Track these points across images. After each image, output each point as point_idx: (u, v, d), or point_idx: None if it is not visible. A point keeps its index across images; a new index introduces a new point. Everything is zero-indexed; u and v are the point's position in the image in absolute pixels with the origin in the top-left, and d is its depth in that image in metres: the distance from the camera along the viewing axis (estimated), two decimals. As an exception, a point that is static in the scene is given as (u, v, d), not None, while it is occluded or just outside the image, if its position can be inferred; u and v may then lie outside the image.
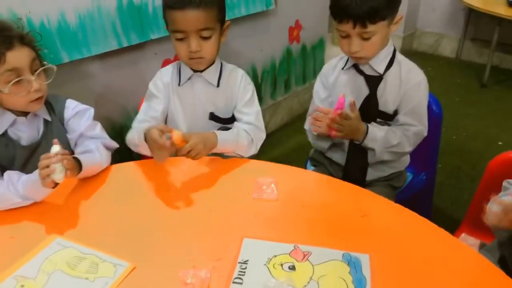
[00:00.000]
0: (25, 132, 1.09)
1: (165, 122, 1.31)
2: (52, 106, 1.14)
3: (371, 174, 1.31)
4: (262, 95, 2.39)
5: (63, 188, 1.03)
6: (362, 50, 1.14)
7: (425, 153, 1.49)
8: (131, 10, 1.54)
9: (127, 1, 1.52)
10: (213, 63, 1.26)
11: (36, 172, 0.95)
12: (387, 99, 1.23)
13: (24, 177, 0.99)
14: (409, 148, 1.23)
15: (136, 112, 1.34)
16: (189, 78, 1.27)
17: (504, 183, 0.96)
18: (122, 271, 0.83)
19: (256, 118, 1.27)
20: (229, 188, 1.08)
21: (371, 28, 1.10)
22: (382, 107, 1.24)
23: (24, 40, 1.01)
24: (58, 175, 0.92)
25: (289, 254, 0.86)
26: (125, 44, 1.57)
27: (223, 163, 1.17)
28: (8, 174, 1.00)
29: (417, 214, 0.97)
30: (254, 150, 1.23)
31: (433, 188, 1.61)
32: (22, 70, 0.99)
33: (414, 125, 1.22)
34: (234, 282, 0.80)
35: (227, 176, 1.12)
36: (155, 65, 1.72)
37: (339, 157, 1.34)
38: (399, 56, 1.24)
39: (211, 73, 1.26)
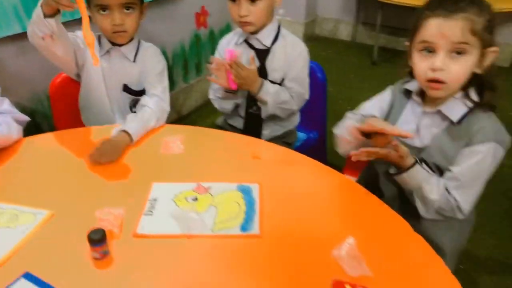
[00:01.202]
0: None
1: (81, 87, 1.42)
2: None
3: (267, 135, 1.51)
4: (174, 78, 2.51)
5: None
6: (250, 14, 1.32)
7: (315, 114, 1.74)
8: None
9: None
10: (132, 39, 1.38)
11: None
12: (275, 69, 1.43)
13: None
14: (295, 107, 1.44)
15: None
16: (108, 51, 1.37)
17: (348, 114, 1.16)
18: (41, 218, 0.93)
19: (162, 92, 1.39)
20: (140, 146, 1.21)
21: None
22: (270, 76, 1.43)
23: None
24: None
25: (192, 190, 1.02)
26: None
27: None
28: None
29: (303, 155, 1.18)
30: (162, 122, 1.35)
31: (325, 145, 1.86)
32: None
33: (297, 89, 1.43)
34: (145, 214, 0.94)
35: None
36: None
37: (238, 122, 1.53)
38: (283, 31, 1.45)
39: (129, 48, 1.38)
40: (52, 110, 1.57)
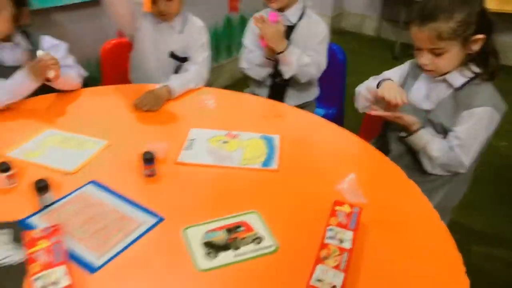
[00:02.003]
0: (9, 56, 1.35)
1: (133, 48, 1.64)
2: (30, 39, 1.41)
3: (289, 104, 1.69)
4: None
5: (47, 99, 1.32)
6: None
7: (334, 91, 1.92)
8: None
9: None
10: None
11: (21, 72, 1.25)
12: (298, 43, 1.61)
13: (11, 78, 1.27)
14: (315, 72, 1.61)
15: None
16: (159, 21, 1.58)
17: (370, 79, 1.35)
18: (102, 145, 1.14)
19: (203, 61, 1.61)
20: (180, 101, 1.43)
21: None
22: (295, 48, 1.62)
23: None
24: (50, 72, 1.25)
25: (223, 135, 1.22)
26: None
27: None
28: None
29: (320, 117, 1.36)
30: (201, 85, 1.57)
31: (342, 123, 2.04)
32: None
33: (316, 57, 1.60)
34: (184, 149, 1.15)
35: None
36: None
37: (264, 92, 1.72)
38: (308, 11, 1.64)
39: (177, 21, 1.59)
40: (102, 71, 1.79)
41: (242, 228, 0.88)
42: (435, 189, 1.27)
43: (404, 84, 1.32)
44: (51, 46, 1.44)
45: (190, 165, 1.09)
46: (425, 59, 1.18)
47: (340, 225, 0.85)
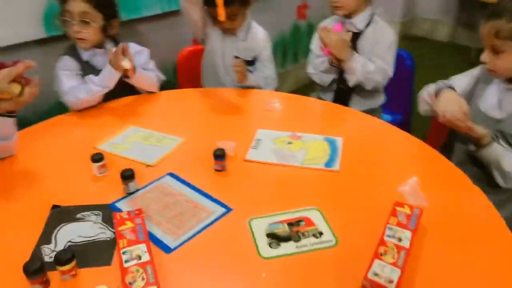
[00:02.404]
0: (101, 60, 1.53)
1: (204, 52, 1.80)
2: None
3: (354, 108, 1.72)
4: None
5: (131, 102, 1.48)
6: (340, 0, 1.57)
7: (401, 98, 1.90)
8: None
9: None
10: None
11: (106, 66, 1.45)
12: (364, 49, 1.63)
13: (100, 73, 1.47)
14: (381, 79, 1.62)
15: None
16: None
17: (438, 82, 1.32)
18: (178, 142, 1.26)
19: (270, 64, 1.75)
20: (248, 102, 1.54)
21: None
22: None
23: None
24: (124, 62, 1.43)
25: (288, 136, 1.29)
26: (167, 10, 2.00)
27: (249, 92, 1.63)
28: (87, 76, 1.47)
29: (384, 122, 1.38)
30: (268, 88, 1.68)
31: (409, 130, 2.00)
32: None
33: (381, 64, 1.61)
34: (252, 148, 1.23)
35: (251, 96, 1.56)
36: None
37: (329, 97, 1.76)
38: (376, 18, 1.65)
39: (241, 30, 1.70)
40: (178, 76, 1.95)
41: (303, 223, 0.93)
42: (502, 202, 1.22)
43: (474, 90, 1.29)
44: (135, 52, 1.60)
45: (257, 163, 1.16)
46: (485, 56, 1.18)
47: (399, 224, 0.87)
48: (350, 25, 1.63)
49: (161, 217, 0.97)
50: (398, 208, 0.91)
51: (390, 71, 1.63)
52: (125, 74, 1.48)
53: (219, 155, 1.11)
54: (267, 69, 1.73)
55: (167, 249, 0.88)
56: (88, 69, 1.52)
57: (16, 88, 1.01)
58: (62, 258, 0.80)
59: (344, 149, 1.22)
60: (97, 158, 1.10)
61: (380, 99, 1.77)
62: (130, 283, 0.75)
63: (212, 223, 0.95)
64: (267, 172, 1.13)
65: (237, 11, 1.61)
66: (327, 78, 1.71)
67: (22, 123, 1.46)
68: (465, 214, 0.97)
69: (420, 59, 1.77)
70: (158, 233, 0.92)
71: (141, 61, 1.59)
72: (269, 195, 1.05)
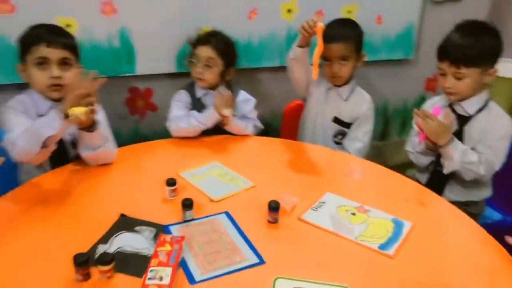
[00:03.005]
0: (211, 100, 1.72)
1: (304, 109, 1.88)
2: (232, 90, 1.76)
3: (448, 197, 1.55)
4: (389, 130, 2.72)
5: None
6: (454, 87, 1.46)
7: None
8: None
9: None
10: (347, 83, 1.74)
11: (211, 109, 1.60)
12: (472, 136, 1.49)
13: (202, 112, 1.64)
14: (483, 172, 1.44)
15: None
16: (329, 88, 1.77)
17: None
18: (247, 185, 1.33)
19: (364, 132, 1.74)
20: (334, 162, 1.56)
21: (463, 70, 1.42)
22: (466, 142, 1.49)
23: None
24: (226, 110, 1.57)
25: (354, 207, 1.24)
26: (284, 64, 2.14)
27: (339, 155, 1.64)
28: (191, 111, 1.67)
29: (470, 218, 1.22)
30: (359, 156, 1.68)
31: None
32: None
33: (489, 156, 1.44)
34: (312, 209, 1.22)
35: (338, 158, 1.56)
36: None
37: (424, 178, 1.63)
38: (492, 104, 1.50)
39: (345, 90, 1.75)
40: (282, 125, 2.05)
41: (327, 298, 0.89)
42: None
43: None
44: (243, 100, 1.76)
45: (310, 225, 1.15)
46: None
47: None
48: (458, 107, 1.52)
49: (200, 250, 1.03)
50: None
51: (497, 164, 1.45)
52: (222, 119, 1.63)
53: (273, 207, 1.14)
54: (358, 140, 1.74)
55: (192, 279, 0.94)
56: (198, 105, 1.72)
57: (79, 111, 1.21)
58: (102, 259, 0.92)
59: (410, 235, 1.12)
60: (171, 182, 1.24)
61: (486, 192, 1.57)
62: (142, 299, 0.83)
63: (240, 269, 0.97)
64: (316, 236, 1.11)
65: (350, 52, 1.65)
66: (425, 160, 1.61)
67: (139, 139, 1.75)
68: None
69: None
70: (191, 262, 0.98)
71: (246, 110, 1.74)
72: (306, 259, 1.03)
